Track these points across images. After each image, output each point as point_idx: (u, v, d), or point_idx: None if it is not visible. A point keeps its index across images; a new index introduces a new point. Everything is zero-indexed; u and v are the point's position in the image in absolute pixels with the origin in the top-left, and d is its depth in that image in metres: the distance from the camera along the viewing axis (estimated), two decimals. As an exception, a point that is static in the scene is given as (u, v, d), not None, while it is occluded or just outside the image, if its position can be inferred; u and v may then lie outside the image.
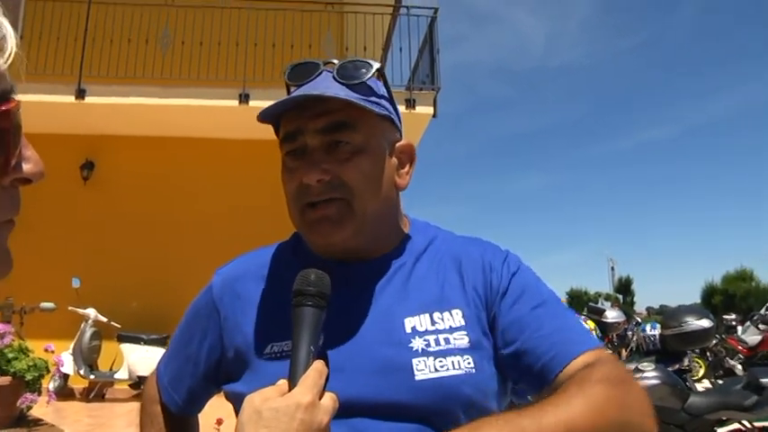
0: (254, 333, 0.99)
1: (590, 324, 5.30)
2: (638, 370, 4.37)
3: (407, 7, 9.54)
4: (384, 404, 0.87)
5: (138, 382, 8.54)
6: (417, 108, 8.75)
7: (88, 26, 8.72)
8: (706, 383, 9.32)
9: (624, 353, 11.34)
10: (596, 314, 5.67)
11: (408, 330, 0.93)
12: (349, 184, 0.94)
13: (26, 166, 0.55)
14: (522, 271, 1.01)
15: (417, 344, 0.91)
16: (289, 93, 1.00)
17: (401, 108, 8.48)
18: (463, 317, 0.94)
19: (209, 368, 1.06)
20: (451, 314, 0.95)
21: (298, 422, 0.71)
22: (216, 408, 1.37)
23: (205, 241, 8.71)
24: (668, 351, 5.74)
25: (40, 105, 8.38)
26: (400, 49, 9.26)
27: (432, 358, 0.89)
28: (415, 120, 8.89)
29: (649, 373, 4.30)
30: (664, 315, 5.70)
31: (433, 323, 0.94)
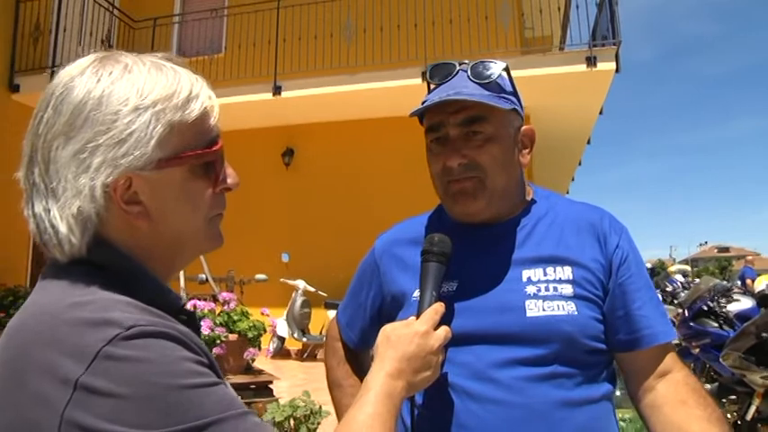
0: (406, 281, 1.26)
1: None
2: None
3: (583, -39, 9.20)
4: (501, 334, 1.12)
5: (344, 345, 9.47)
6: (599, 65, 8.41)
7: (278, 29, 9.57)
8: None
9: None
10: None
11: (524, 279, 1.17)
12: (482, 166, 1.18)
13: (229, 180, 0.86)
14: (635, 250, 1.23)
15: (530, 290, 1.15)
16: (429, 89, 1.26)
17: (582, 67, 8.35)
18: (572, 273, 1.16)
19: (374, 311, 1.37)
20: (563, 269, 1.17)
21: (415, 345, 0.97)
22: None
23: (396, 213, 9.14)
24: None
25: (245, 105, 9.48)
26: (577, 7, 9.01)
27: (540, 301, 1.13)
28: (598, 77, 8.63)
29: None
30: None
31: (545, 274, 1.17)
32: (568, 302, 1.13)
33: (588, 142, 12.43)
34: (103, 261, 0.76)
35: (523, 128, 1.27)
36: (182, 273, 5.39)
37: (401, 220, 1.44)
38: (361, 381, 1.42)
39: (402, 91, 9.05)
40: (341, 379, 1.42)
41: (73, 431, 0.61)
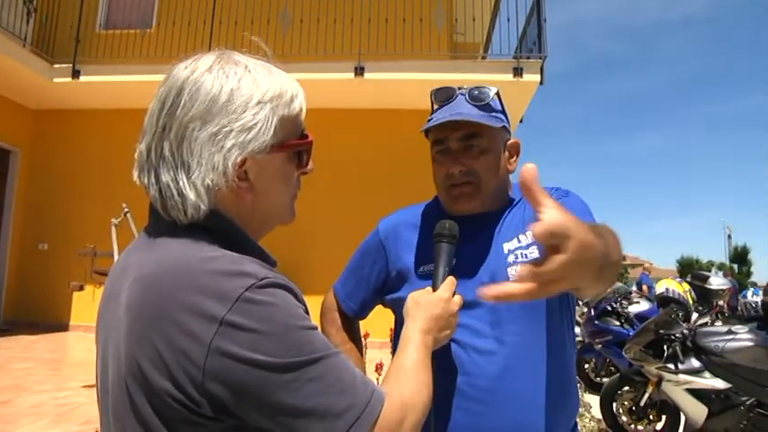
0: (410, 259, 1.49)
1: (682, 287, 5.41)
2: (730, 332, 4.50)
3: (515, -24, 9.58)
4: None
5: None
6: (525, 76, 8.83)
7: (215, 11, 9.47)
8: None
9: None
10: (699, 280, 5.69)
11: (505, 252, 1.41)
12: (478, 173, 1.44)
13: (309, 165, 1.03)
14: (575, 198, 1.48)
15: (510, 258, 1.40)
16: (432, 108, 1.50)
17: (509, 77, 8.72)
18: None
19: (377, 284, 1.57)
20: (526, 235, 1.42)
21: (440, 308, 1.16)
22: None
23: (324, 204, 9.23)
24: (771, 318, 5.74)
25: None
26: (508, 19, 9.36)
27: (519, 266, 1.36)
28: (523, 88, 9.03)
29: (743, 335, 4.43)
30: (768, 282, 5.71)
31: (519, 242, 1.42)
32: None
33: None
34: (214, 225, 0.91)
35: (510, 141, 1.51)
36: (115, 247, 5.36)
37: (399, 207, 1.64)
38: (357, 346, 1.62)
39: (335, 84, 9.18)
40: (340, 344, 1.58)
41: (218, 357, 0.76)
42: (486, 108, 1.42)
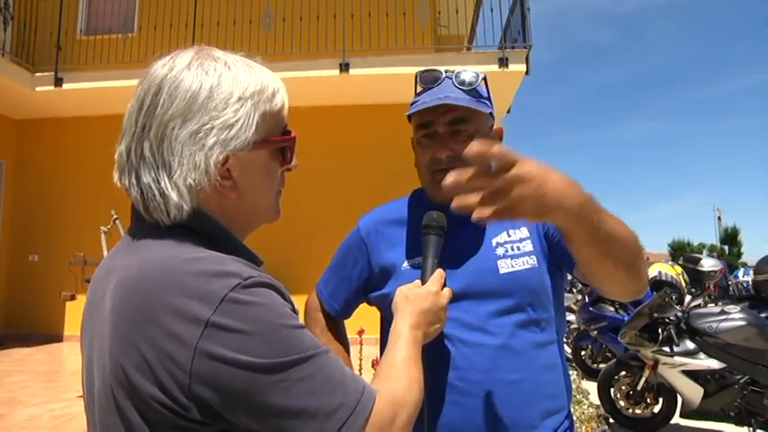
0: (394, 255, 1.47)
1: (674, 270, 5.45)
2: (723, 312, 4.53)
3: (497, -34, 9.57)
4: (481, 291, 1.36)
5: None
6: (510, 66, 8.81)
7: (196, 13, 9.38)
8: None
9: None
10: (692, 263, 5.73)
11: (494, 244, 1.40)
12: (465, 159, 1.36)
13: (292, 162, 1.01)
14: None
15: (500, 251, 1.39)
16: (416, 92, 1.46)
17: (494, 67, 8.71)
18: (528, 231, 1.42)
19: (359, 283, 1.55)
20: (520, 230, 1.43)
21: (429, 302, 1.14)
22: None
23: (310, 201, 9.20)
24: (762, 297, 5.79)
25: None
26: (491, 10, 9.37)
27: (509, 259, 1.38)
28: (509, 78, 9.01)
29: (735, 315, 4.47)
30: (758, 261, 5.78)
31: (509, 236, 1.41)
32: (531, 257, 1.37)
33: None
34: (198, 225, 0.88)
35: (495, 127, 1.48)
36: (105, 254, 5.30)
37: (382, 203, 1.62)
38: (343, 345, 1.59)
39: (319, 81, 9.13)
40: (326, 345, 1.56)
41: (205, 360, 0.74)
42: (474, 93, 1.40)
